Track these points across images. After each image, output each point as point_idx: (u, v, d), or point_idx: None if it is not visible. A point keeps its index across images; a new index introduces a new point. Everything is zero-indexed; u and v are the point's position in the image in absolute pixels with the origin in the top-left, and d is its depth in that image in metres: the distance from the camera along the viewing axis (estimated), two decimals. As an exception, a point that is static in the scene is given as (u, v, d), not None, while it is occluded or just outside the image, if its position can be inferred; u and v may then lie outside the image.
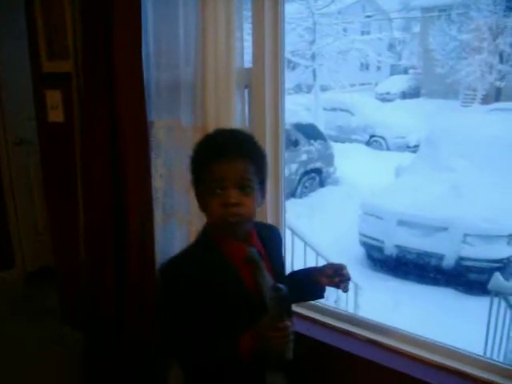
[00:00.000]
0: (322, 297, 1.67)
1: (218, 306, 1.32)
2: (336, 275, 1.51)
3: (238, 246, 1.39)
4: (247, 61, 2.04)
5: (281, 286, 1.22)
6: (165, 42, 2.12)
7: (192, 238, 2.07)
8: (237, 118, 1.99)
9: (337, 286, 1.53)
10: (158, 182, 2.22)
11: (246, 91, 2.07)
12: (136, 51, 2.08)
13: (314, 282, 1.56)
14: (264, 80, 1.99)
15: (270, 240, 1.53)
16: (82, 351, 2.60)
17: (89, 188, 2.39)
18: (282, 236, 1.60)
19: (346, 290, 1.54)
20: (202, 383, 1.42)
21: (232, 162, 1.31)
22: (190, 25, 2.01)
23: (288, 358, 1.23)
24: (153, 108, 2.18)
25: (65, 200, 2.85)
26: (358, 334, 2.02)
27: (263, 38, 1.96)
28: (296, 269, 1.74)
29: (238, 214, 1.31)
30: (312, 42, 12.39)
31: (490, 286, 3.41)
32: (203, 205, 1.38)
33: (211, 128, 1.95)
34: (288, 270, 1.67)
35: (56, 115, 2.80)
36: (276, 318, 1.20)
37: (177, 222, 2.23)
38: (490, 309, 3.40)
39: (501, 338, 3.35)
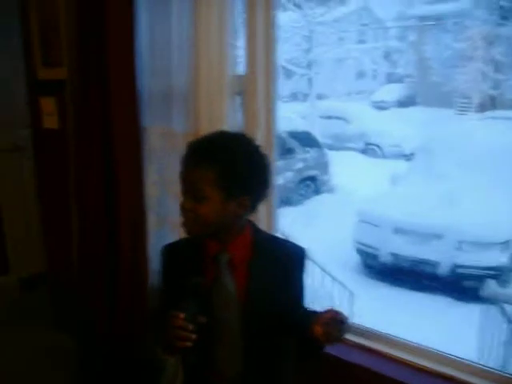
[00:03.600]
0: (318, 355, 1.43)
1: (176, 290, 1.35)
2: (332, 322, 1.25)
3: (212, 244, 1.45)
4: (241, 68, 2.04)
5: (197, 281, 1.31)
6: (158, 49, 2.13)
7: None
8: (229, 125, 1.99)
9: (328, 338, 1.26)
10: (150, 189, 2.22)
11: (239, 98, 2.08)
12: (130, 57, 2.09)
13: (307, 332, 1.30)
14: (257, 87, 1.99)
15: (275, 258, 1.46)
16: (75, 358, 2.59)
17: (82, 194, 2.39)
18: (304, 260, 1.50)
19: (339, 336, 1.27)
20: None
21: (190, 170, 1.36)
22: (183, 32, 2.02)
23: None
24: (146, 114, 2.19)
25: (58, 206, 2.85)
26: (352, 341, 2.01)
27: (256, 46, 1.96)
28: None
29: (188, 220, 1.38)
30: (308, 51, 12.40)
31: (484, 293, 3.41)
32: None
33: (204, 135, 1.96)
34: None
35: (51, 122, 2.80)
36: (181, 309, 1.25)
37: (169, 227, 2.23)
38: (484, 316, 3.40)
39: (495, 345, 3.35)
